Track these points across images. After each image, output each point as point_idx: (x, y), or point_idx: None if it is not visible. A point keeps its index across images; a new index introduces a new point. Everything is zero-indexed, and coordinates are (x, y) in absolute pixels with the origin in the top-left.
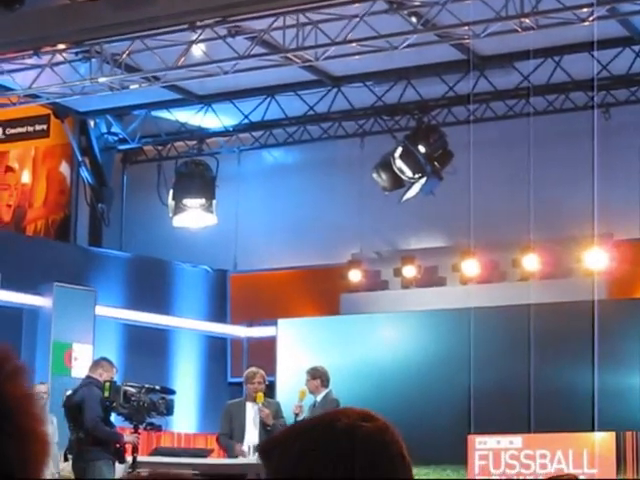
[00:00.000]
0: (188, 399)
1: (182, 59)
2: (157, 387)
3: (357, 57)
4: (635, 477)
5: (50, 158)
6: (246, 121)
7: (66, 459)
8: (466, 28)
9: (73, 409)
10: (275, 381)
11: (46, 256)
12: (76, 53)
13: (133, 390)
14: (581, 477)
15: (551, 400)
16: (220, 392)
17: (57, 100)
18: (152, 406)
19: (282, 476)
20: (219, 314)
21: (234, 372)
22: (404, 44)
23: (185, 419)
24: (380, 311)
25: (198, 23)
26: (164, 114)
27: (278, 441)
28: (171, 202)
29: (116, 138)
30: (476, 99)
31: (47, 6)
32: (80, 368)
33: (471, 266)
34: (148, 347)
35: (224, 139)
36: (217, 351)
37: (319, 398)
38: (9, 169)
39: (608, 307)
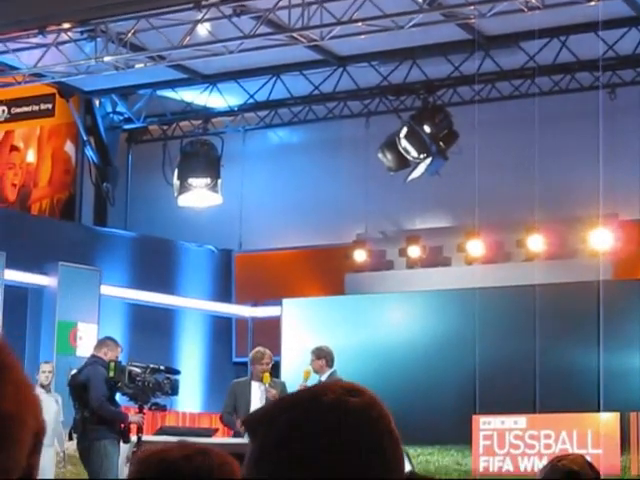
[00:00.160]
0: (193, 379)
1: (187, 38)
2: (162, 367)
3: (363, 37)
4: None
5: (55, 137)
6: (251, 101)
7: (71, 438)
8: (472, 8)
9: (78, 388)
10: (280, 361)
11: (51, 236)
12: (81, 32)
13: (138, 370)
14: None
15: (556, 380)
16: (225, 372)
17: (62, 79)
18: (157, 386)
19: (267, 451)
20: (224, 294)
21: (239, 352)
22: (410, 24)
23: (190, 398)
24: (385, 291)
25: (203, 2)
26: (169, 93)
27: (263, 416)
28: (176, 181)
29: (121, 117)
30: (481, 79)
31: None
32: (85, 347)
33: (476, 246)
34: (153, 327)
35: (229, 119)
36: (222, 331)
37: (324, 378)
38: (14, 148)
39: (613, 288)
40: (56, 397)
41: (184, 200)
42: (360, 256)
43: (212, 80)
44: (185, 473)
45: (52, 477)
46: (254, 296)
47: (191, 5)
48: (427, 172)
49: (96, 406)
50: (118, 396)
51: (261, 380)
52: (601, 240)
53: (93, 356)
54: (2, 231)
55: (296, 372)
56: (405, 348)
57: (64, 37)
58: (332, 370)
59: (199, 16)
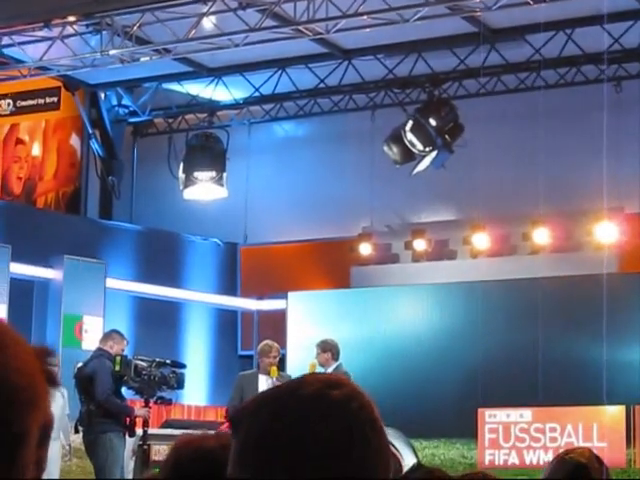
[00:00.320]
0: (198, 372)
1: (193, 32)
2: (168, 361)
3: (368, 30)
4: None
5: (60, 130)
6: (257, 94)
7: (77, 431)
8: (477, 1)
9: (84, 381)
10: (285, 354)
11: (57, 229)
12: (87, 25)
13: (144, 364)
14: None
15: (560, 373)
16: (230, 365)
17: (68, 72)
18: (163, 380)
19: (250, 444)
20: (229, 287)
21: (244, 345)
22: (415, 17)
23: (195, 391)
24: (390, 284)
25: None
26: (175, 87)
27: (246, 411)
28: (181, 175)
29: (127, 111)
30: (487, 72)
31: None
32: (90, 340)
33: (481, 239)
34: (158, 320)
35: (235, 112)
36: (227, 324)
37: (330, 371)
38: (20, 142)
39: (618, 281)
40: (62, 390)
41: (189, 193)
42: (365, 249)
43: (217, 73)
44: (221, 461)
45: (58, 470)
46: (259, 289)
47: None
48: (433, 165)
49: (102, 399)
50: (124, 390)
51: (268, 373)
52: (606, 233)
53: (99, 349)
54: (8, 224)
55: (302, 365)
56: (410, 341)
57: (69, 30)
58: (338, 363)
59: (204, 9)
